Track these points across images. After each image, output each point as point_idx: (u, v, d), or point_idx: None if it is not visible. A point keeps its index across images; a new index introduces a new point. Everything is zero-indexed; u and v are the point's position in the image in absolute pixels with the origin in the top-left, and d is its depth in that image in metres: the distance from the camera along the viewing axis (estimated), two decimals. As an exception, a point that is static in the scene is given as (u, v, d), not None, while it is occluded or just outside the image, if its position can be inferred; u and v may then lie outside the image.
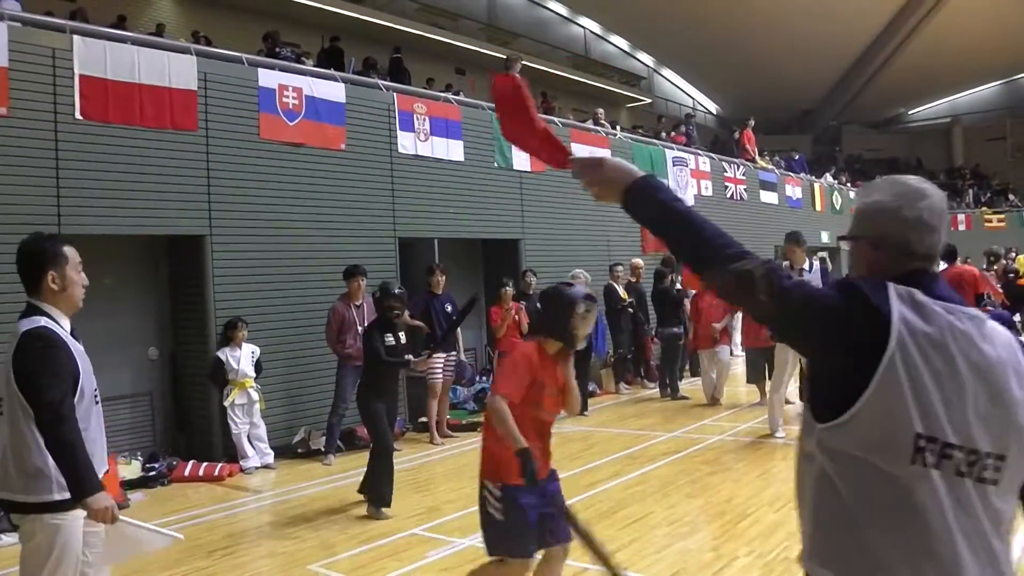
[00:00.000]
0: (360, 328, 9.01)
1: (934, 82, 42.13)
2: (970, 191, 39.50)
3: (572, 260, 12.78)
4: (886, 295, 1.81)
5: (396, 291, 7.84)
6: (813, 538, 1.91)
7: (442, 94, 13.39)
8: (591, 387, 12.40)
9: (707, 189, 18.11)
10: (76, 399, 3.38)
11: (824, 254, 21.14)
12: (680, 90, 40.04)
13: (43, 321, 3.40)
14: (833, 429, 1.81)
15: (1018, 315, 12.94)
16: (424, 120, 11.52)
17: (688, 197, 17.14)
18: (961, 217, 35.08)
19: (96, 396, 3.55)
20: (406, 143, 11.21)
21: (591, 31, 33.71)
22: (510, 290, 10.95)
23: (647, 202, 2.04)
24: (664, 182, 2.05)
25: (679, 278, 13.84)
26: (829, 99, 42.76)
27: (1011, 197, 39.33)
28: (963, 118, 45.43)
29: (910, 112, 47.68)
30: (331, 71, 11.48)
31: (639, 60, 36.68)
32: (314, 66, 12.23)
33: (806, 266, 9.07)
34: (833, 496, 1.84)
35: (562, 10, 31.93)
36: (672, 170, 16.74)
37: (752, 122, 22.29)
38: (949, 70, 40.04)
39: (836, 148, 42.03)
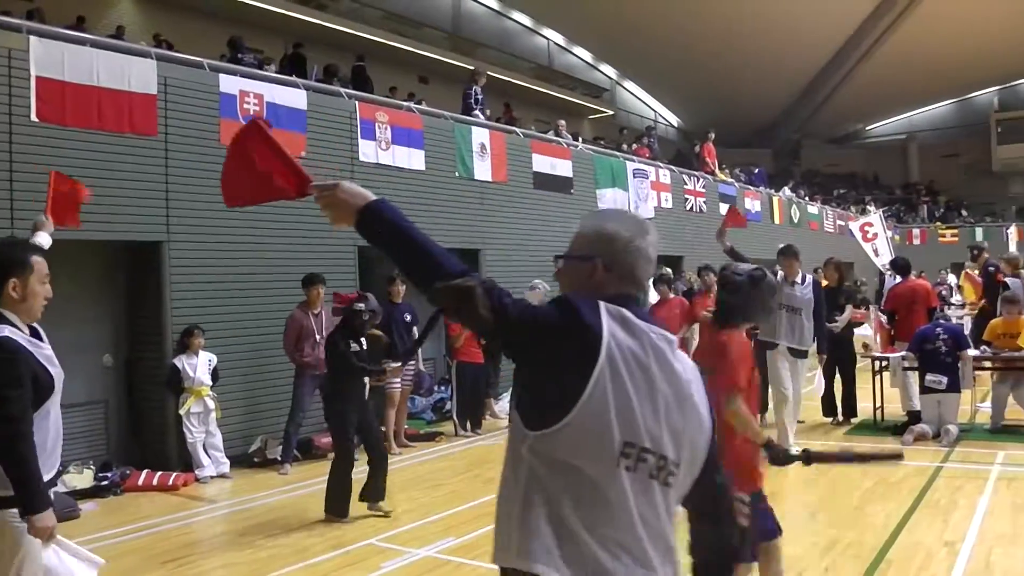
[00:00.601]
0: (319, 337, 8.98)
1: (891, 99, 42.84)
2: (924, 206, 40.17)
3: (533, 271, 12.80)
4: (599, 313, 1.96)
5: (374, 305, 7.83)
6: (520, 536, 1.97)
7: (404, 103, 13.41)
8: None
9: (667, 201, 18.25)
10: (49, 403, 3.40)
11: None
12: (642, 103, 40.32)
13: (6, 331, 3.36)
14: (545, 437, 1.92)
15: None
16: (386, 129, 11.52)
17: (648, 209, 17.28)
18: (916, 232, 35.69)
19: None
20: (367, 151, 11.20)
21: (555, 43, 33.88)
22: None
23: (377, 223, 2.14)
24: (395, 206, 2.16)
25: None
26: (789, 114, 43.28)
27: (964, 213, 40.07)
28: (918, 135, 46.24)
29: (868, 128, 48.43)
30: (293, 78, 11.44)
31: (602, 72, 36.91)
32: (277, 72, 12.20)
33: (799, 279, 9.05)
34: (542, 498, 1.94)
35: (526, 21, 32.07)
36: (633, 182, 16.86)
37: (713, 135, 22.50)
38: (905, 88, 40.72)
39: (795, 162, 42.54)
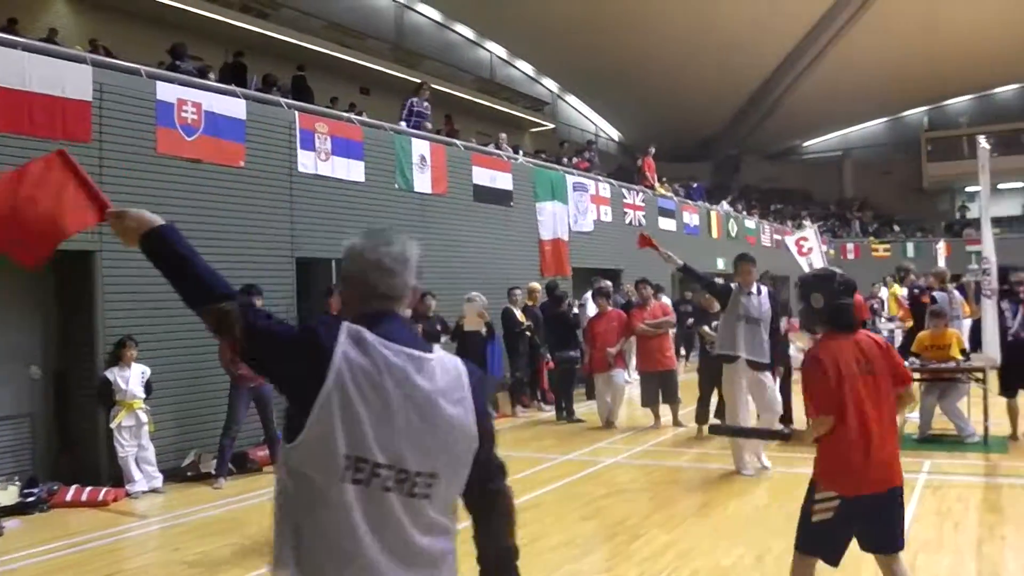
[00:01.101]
0: (255, 349, 8.86)
1: (827, 117, 43.75)
2: (858, 221, 41.04)
3: (471, 283, 12.82)
4: (335, 333, 2.09)
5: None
6: (275, 545, 2.12)
7: (344, 114, 13.35)
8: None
9: (607, 215, 18.39)
10: None
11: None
12: (584, 116, 40.62)
13: None
14: (291, 450, 2.07)
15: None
16: (325, 139, 11.45)
17: (588, 222, 17.40)
18: (850, 246, 36.44)
19: None
20: (306, 162, 11.12)
21: (497, 56, 34.00)
22: (408, 312, 10.92)
23: (158, 246, 2.27)
24: (179, 232, 2.31)
25: (575, 302, 14.03)
26: (729, 130, 43.94)
27: (896, 228, 41.01)
28: (853, 152, 47.30)
29: (804, 144, 49.38)
30: (232, 87, 11.33)
31: (544, 86, 37.11)
32: (217, 81, 12.06)
33: (754, 289, 8.60)
34: (288, 508, 2.10)
35: (469, 34, 32.15)
36: (572, 195, 16.97)
37: (653, 150, 22.76)
38: (840, 106, 41.66)
39: (734, 177, 43.15)
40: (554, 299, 13.16)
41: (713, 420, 9.25)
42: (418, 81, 17.37)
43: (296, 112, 11.32)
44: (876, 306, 18.32)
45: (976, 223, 12.66)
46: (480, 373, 2.29)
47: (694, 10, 31.30)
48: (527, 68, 36.00)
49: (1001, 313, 9.63)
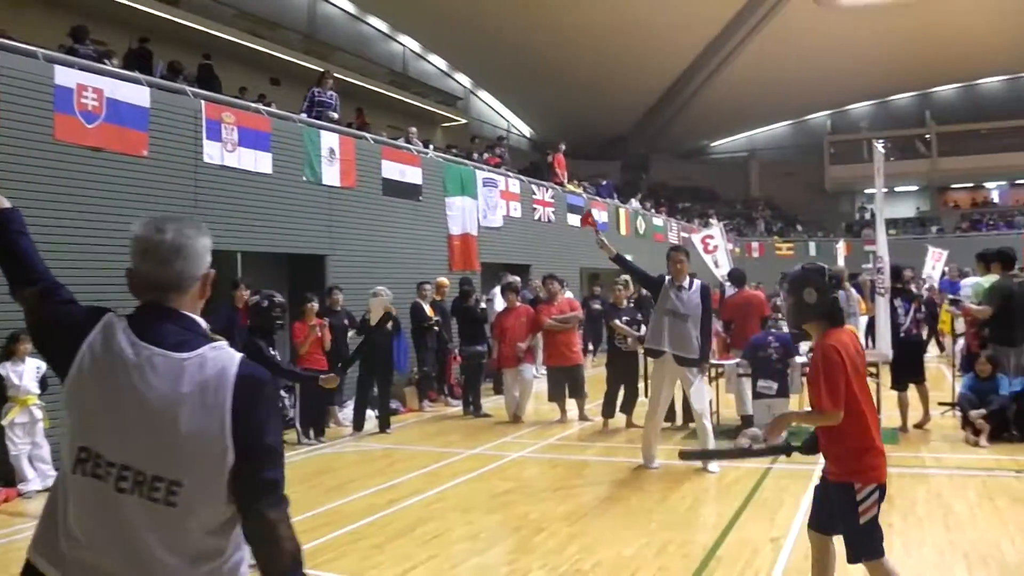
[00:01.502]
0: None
1: (734, 118, 44.73)
2: (762, 221, 42.04)
3: (379, 277, 12.75)
4: (95, 323, 2.10)
5: (279, 299, 7.54)
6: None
7: (252, 104, 13.13)
8: (394, 405, 12.40)
9: (516, 210, 18.48)
10: None
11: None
12: (496, 112, 40.67)
13: None
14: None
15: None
16: (232, 130, 11.25)
17: (498, 218, 17.45)
18: (755, 245, 37.31)
19: None
20: (212, 153, 10.91)
21: (410, 49, 33.83)
22: (315, 305, 10.83)
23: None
24: (20, 217, 2.39)
25: (484, 296, 14.06)
26: (639, 128, 44.51)
27: (799, 228, 42.15)
28: (759, 153, 48.45)
29: (712, 144, 50.39)
30: (135, 73, 11.03)
31: (456, 81, 37.05)
32: (120, 67, 11.73)
33: (686, 283, 8.43)
34: (55, 489, 2.12)
35: (383, 26, 31.90)
36: (482, 191, 17.00)
37: (563, 147, 22.92)
38: (748, 108, 42.64)
39: (643, 175, 43.72)
40: (462, 294, 13.19)
41: (682, 448, 8.78)
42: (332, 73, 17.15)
43: (202, 101, 11.10)
44: (779, 302, 18.76)
45: (874, 224, 13.10)
46: (260, 381, 2.09)
47: (607, 10, 31.60)
48: (440, 63, 35.90)
49: (894, 310, 9.97)
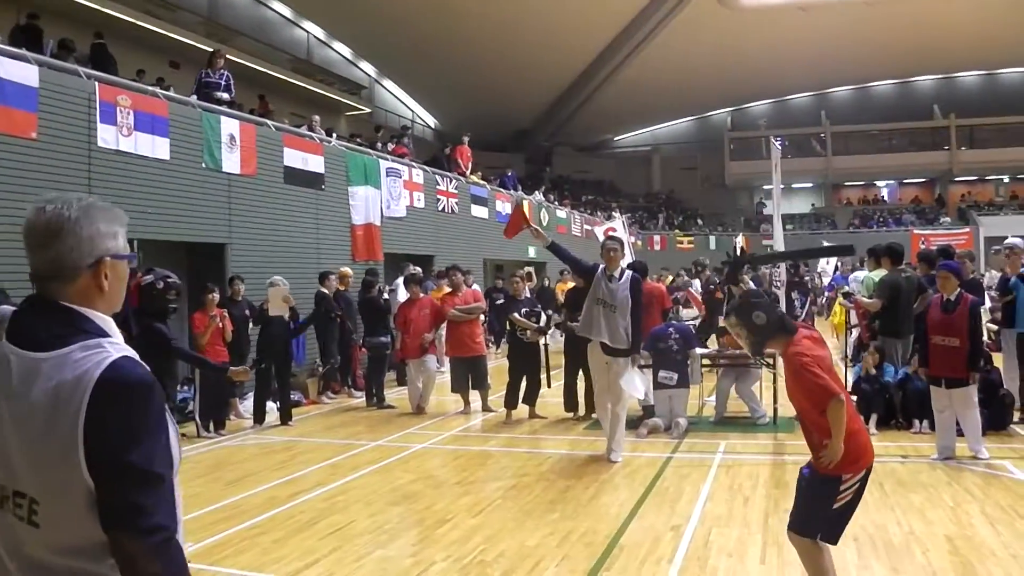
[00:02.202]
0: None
1: (637, 113, 45.41)
2: (664, 214, 42.77)
3: (280, 267, 12.55)
4: None
5: (173, 279, 7.18)
6: None
7: (148, 87, 12.74)
8: (297, 397, 12.22)
9: (419, 201, 18.39)
10: None
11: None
12: (401, 102, 40.42)
13: None
14: None
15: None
16: (128, 114, 10.90)
17: (401, 208, 17.35)
18: (656, 238, 37.98)
19: None
20: (107, 137, 10.55)
21: (315, 36, 33.37)
22: (216, 296, 10.58)
23: None
24: None
25: (386, 287, 13.95)
26: (542, 121, 44.80)
27: (700, 222, 43.03)
28: (661, 148, 49.26)
29: (616, 139, 51.04)
30: (23, 51, 10.57)
31: (361, 69, 36.70)
32: (6, 44, 11.24)
33: (616, 274, 8.42)
34: None
35: (287, 12, 31.39)
36: (385, 180, 16.86)
37: (467, 138, 22.90)
38: (651, 103, 43.34)
39: (547, 168, 44.02)
40: (365, 285, 13.06)
41: None
42: (229, 56, 16.74)
43: (96, 83, 10.72)
44: (679, 296, 19.08)
45: (772, 219, 13.48)
46: (125, 386, 1.75)
47: (513, 3, 31.70)
48: (345, 51, 35.49)
49: (791, 302, 10.25)
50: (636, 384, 8.61)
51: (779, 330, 4.29)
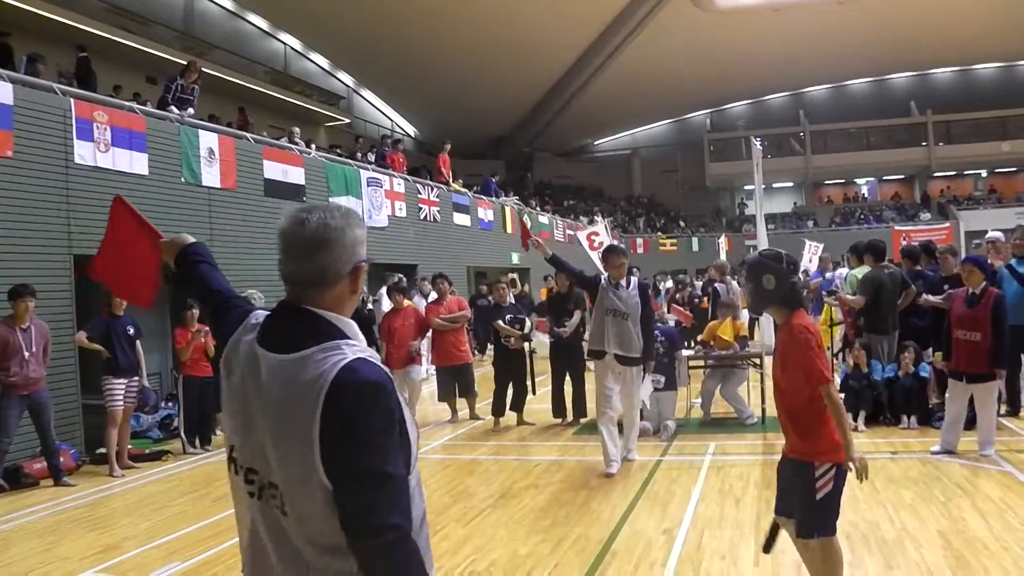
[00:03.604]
0: (27, 354, 8.32)
1: (616, 116, 45.53)
2: (642, 218, 42.86)
3: (263, 280, 12.46)
4: (244, 318, 2.10)
5: None
6: None
7: (126, 102, 12.64)
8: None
9: (401, 210, 18.36)
10: None
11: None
12: (380, 112, 40.38)
13: None
14: None
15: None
16: (105, 129, 10.81)
17: (383, 218, 17.30)
18: (639, 241, 38.01)
19: None
20: (84, 153, 10.45)
21: (292, 47, 33.30)
22: (195, 311, 10.48)
23: (190, 259, 2.63)
24: (204, 245, 2.61)
25: (370, 297, 13.88)
26: (522, 127, 44.85)
27: (682, 224, 43.12)
28: (641, 151, 49.36)
29: (595, 143, 51.14)
30: (-3, 70, 10.48)
31: (339, 80, 36.65)
32: (-24, 62, 11.15)
33: (623, 282, 8.15)
34: None
35: (263, 24, 31.30)
36: (367, 191, 16.81)
37: (448, 146, 22.88)
38: (630, 106, 43.48)
39: (528, 174, 44.07)
40: (350, 295, 13.00)
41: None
42: (206, 70, 16.64)
43: (71, 99, 10.62)
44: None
45: (754, 219, 13.52)
46: (359, 388, 1.79)
47: (490, 9, 31.73)
48: (322, 61, 35.43)
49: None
50: (647, 388, 8.63)
51: (785, 300, 4.23)
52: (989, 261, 9.52)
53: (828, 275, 15.70)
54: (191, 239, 2.56)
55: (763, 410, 9.96)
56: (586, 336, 9.01)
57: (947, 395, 8.20)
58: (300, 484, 1.79)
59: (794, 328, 4.14)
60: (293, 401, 1.80)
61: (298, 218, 1.95)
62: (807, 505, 4.09)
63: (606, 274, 8.26)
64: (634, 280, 8.33)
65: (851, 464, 3.94)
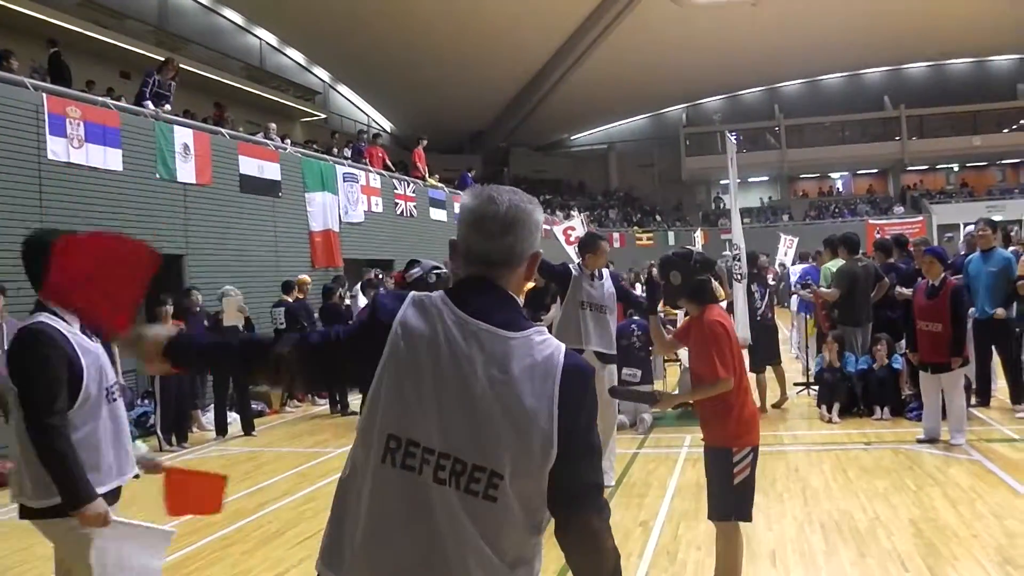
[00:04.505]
0: None
1: (593, 111, 45.58)
2: (623, 211, 42.95)
3: (239, 276, 12.43)
4: (399, 305, 1.90)
5: (443, 271, 7.00)
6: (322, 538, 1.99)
7: (99, 98, 12.54)
8: (260, 407, 12.12)
9: (377, 206, 18.34)
10: (80, 400, 3.24)
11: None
12: (356, 107, 40.25)
13: (42, 317, 3.22)
14: (358, 431, 1.92)
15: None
16: (78, 125, 10.74)
17: (359, 213, 17.28)
18: (616, 235, 38.08)
19: (111, 393, 3.40)
20: (57, 149, 10.38)
21: (267, 43, 33.12)
22: (169, 308, 10.42)
23: (180, 353, 2.18)
24: (184, 333, 2.33)
25: (347, 293, 13.85)
26: (499, 122, 44.81)
27: (658, 218, 43.24)
28: (617, 145, 49.43)
29: (572, 137, 51.15)
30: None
31: (315, 75, 36.50)
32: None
33: (597, 272, 7.30)
34: (339, 493, 1.97)
35: (238, 19, 31.12)
36: (343, 186, 16.78)
37: (424, 141, 22.84)
38: (606, 101, 43.53)
39: (504, 168, 44.05)
40: (326, 291, 12.98)
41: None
42: (181, 65, 16.52)
43: (44, 95, 10.55)
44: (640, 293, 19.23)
45: (730, 213, 13.59)
46: (588, 374, 1.89)
47: (466, 4, 31.68)
48: (298, 56, 35.27)
49: (751, 295, 10.32)
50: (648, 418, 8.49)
51: (693, 295, 4.46)
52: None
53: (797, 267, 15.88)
54: (164, 336, 2.17)
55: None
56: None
57: (921, 386, 8.30)
58: (529, 465, 1.80)
59: (704, 323, 4.37)
60: (530, 379, 1.81)
61: (490, 195, 1.93)
62: (725, 489, 4.27)
63: (576, 263, 7.52)
64: (606, 272, 7.56)
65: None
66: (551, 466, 1.80)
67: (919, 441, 8.05)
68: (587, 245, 7.44)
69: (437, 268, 6.91)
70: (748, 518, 4.31)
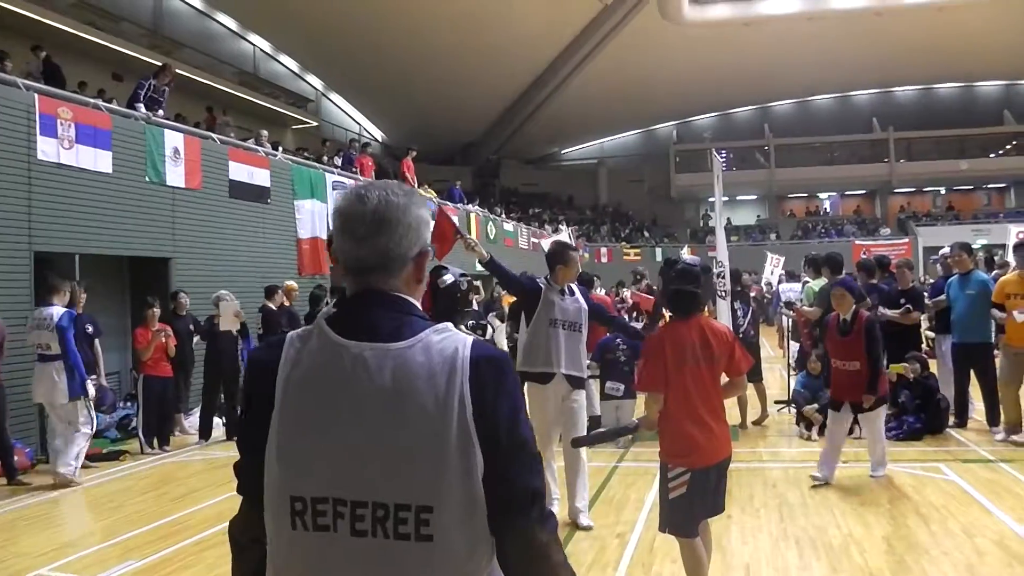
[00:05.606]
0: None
1: (584, 126, 45.80)
2: (611, 226, 43.08)
3: (225, 281, 12.43)
4: (276, 354, 1.67)
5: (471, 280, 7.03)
6: None
7: (91, 99, 12.56)
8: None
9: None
10: None
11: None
12: (348, 116, 40.32)
13: None
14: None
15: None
16: (69, 126, 10.75)
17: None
18: (604, 250, 38.26)
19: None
20: (47, 150, 10.38)
21: (261, 49, 33.19)
22: (156, 311, 10.46)
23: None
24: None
25: (332, 301, 13.85)
26: (490, 135, 44.96)
27: (646, 233, 43.41)
28: (608, 160, 49.65)
29: (562, 152, 51.35)
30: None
31: (308, 83, 36.57)
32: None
33: (566, 288, 6.53)
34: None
35: (232, 24, 31.17)
36: (332, 194, 16.80)
37: (414, 152, 22.90)
38: (597, 116, 43.75)
39: (495, 181, 44.15)
40: (312, 298, 12.98)
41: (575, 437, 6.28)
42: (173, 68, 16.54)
43: (36, 95, 10.56)
44: (619, 304, 19.26)
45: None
46: (501, 363, 1.65)
47: (459, 17, 31.81)
48: (291, 64, 35.34)
49: (734, 312, 10.41)
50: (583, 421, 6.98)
51: (668, 305, 4.61)
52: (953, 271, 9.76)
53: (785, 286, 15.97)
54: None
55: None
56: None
57: (828, 427, 7.84)
58: (458, 482, 1.56)
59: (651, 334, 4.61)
60: (430, 388, 1.57)
61: (356, 195, 1.72)
62: (662, 502, 4.47)
63: (544, 278, 6.61)
64: (575, 286, 6.72)
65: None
66: (481, 473, 1.58)
67: (814, 483, 7.42)
68: (556, 256, 6.57)
69: (465, 276, 6.67)
70: (684, 534, 4.40)
